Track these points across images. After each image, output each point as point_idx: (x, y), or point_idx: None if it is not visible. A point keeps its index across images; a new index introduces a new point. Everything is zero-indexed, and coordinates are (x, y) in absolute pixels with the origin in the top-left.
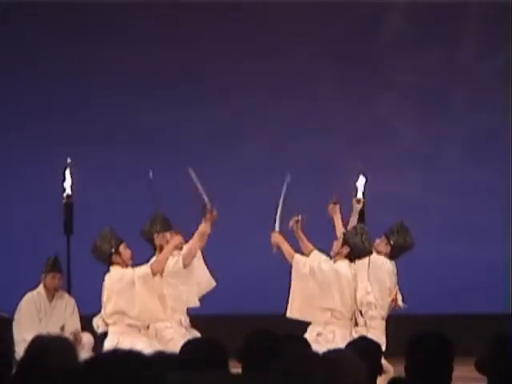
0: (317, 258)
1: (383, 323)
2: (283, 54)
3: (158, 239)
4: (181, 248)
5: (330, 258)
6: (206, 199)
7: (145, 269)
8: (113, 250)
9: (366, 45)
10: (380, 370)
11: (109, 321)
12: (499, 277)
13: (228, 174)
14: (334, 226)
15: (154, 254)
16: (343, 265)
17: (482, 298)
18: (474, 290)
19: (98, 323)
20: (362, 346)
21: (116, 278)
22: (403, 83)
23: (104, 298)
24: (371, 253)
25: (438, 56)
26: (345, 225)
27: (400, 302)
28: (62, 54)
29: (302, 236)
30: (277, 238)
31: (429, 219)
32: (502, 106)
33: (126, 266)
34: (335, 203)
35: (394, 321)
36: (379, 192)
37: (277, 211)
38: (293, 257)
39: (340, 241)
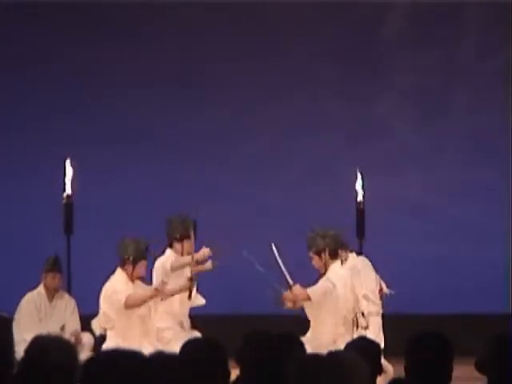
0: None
1: (379, 319)
2: (283, 54)
3: (176, 244)
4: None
5: (322, 274)
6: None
7: (118, 301)
8: (132, 258)
9: (366, 45)
10: (380, 370)
11: (105, 325)
12: (499, 277)
13: (228, 173)
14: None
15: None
16: (336, 273)
17: (482, 298)
18: (474, 290)
19: (96, 325)
20: (361, 346)
21: (111, 290)
22: (403, 83)
23: (101, 301)
24: (339, 234)
25: (438, 56)
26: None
27: (385, 289)
28: (62, 54)
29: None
30: (289, 297)
31: (429, 219)
32: (502, 106)
33: (131, 279)
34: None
35: (394, 321)
36: (379, 192)
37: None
38: (309, 298)
39: (316, 257)
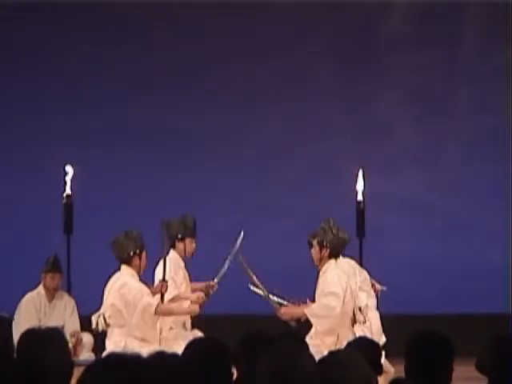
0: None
1: (377, 313)
2: (283, 54)
3: (178, 244)
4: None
5: (319, 271)
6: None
7: (149, 304)
8: (137, 251)
9: (366, 45)
10: (380, 370)
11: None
12: (499, 277)
13: (227, 174)
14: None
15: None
16: (332, 275)
17: (482, 298)
18: (474, 290)
19: (97, 321)
20: (361, 346)
21: (125, 291)
22: (403, 83)
23: (108, 299)
24: (348, 241)
25: (438, 56)
26: None
27: (378, 286)
28: (62, 54)
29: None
30: (285, 312)
31: (429, 219)
32: (502, 106)
33: (138, 273)
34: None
35: (394, 321)
36: (379, 192)
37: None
38: (304, 313)
39: (316, 248)
